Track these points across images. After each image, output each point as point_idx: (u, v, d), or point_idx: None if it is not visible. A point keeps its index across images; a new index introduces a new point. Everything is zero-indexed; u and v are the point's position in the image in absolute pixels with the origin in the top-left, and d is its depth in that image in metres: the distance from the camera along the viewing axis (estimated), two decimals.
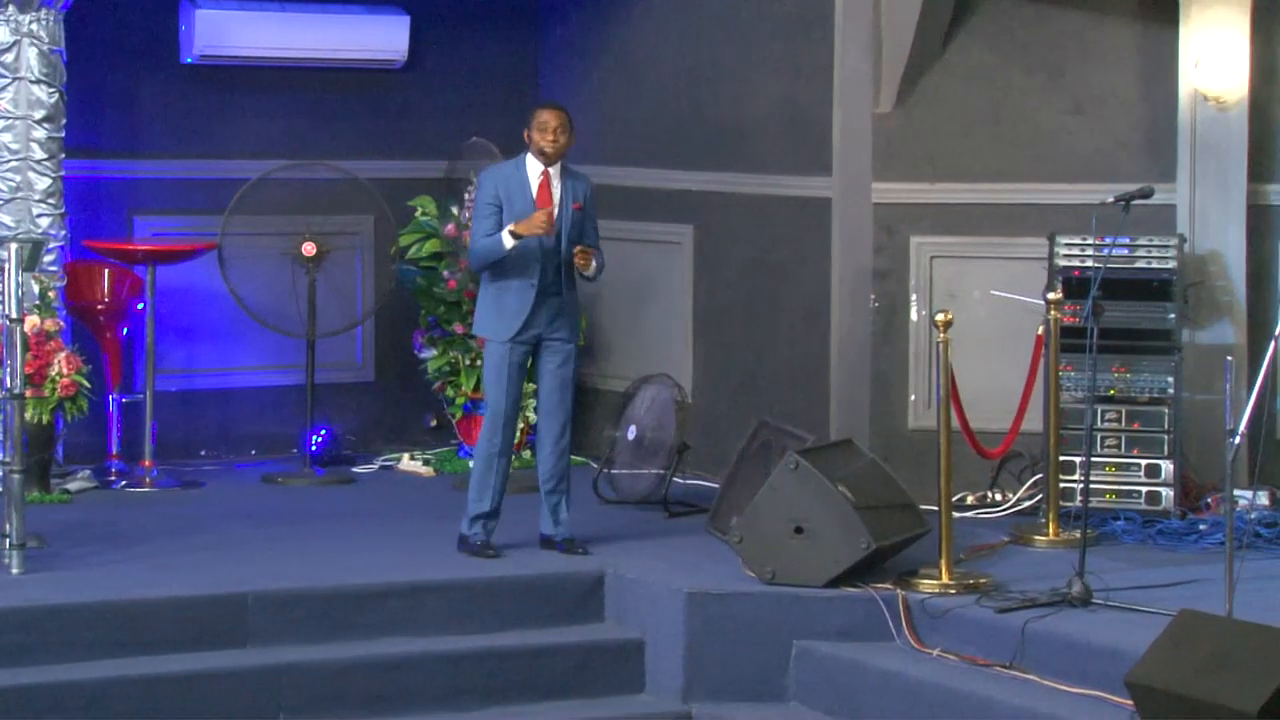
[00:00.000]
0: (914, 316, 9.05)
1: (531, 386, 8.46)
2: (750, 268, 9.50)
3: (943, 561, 7.44)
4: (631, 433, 9.08)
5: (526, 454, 9.42)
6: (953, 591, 7.36)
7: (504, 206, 7.89)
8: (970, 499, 8.80)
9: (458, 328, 9.84)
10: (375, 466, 9.93)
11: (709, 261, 9.73)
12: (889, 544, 7.52)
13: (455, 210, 9.88)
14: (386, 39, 10.22)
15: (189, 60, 9.92)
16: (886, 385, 9.03)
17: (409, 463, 9.98)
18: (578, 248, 7.86)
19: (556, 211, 7.88)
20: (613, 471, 9.10)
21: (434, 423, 10.31)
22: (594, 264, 7.88)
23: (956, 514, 7.79)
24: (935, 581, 7.41)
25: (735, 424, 8.98)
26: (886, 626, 7.30)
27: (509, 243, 7.79)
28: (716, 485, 8.66)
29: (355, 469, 9.81)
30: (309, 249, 9.56)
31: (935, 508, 7.55)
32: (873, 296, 9.06)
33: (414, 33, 10.26)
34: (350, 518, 8.72)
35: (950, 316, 7.57)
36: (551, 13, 10.56)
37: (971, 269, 8.99)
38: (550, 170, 7.95)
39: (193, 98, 9.98)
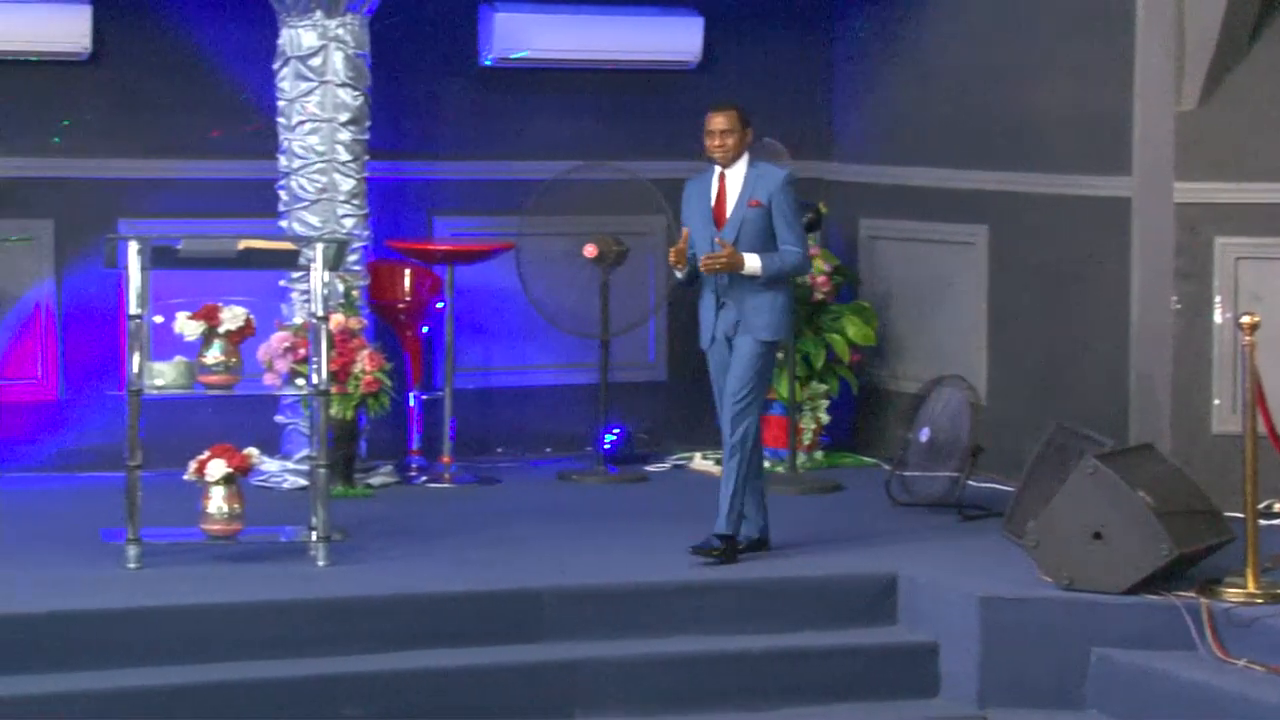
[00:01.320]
0: (1217, 319, 8.82)
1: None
2: (1046, 268, 9.36)
3: (1249, 570, 7.25)
4: (924, 434, 9.01)
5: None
6: (1259, 600, 7.18)
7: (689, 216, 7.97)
8: (1277, 506, 8.55)
9: None
10: (667, 465, 10.00)
11: (1003, 261, 9.60)
12: (1191, 551, 7.35)
13: None
14: (680, 40, 10.27)
15: (487, 63, 10.09)
16: (1188, 389, 8.82)
17: (700, 462, 10.02)
18: (703, 257, 7.79)
19: (730, 210, 7.84)
20: (905, 473, 9.04)
21: None
22: (749, 265, 7.74)
23: (1263, 521, 7.56)
24: (1241, 590, 7.23)
25: (1030, 427, 8.84)
26: (1188, 635, 7.14)
27: (678, 274, 7.92)
28: (1010, 489, 8.55)
29: (647, 467, 9.89)
30: (590, 250, 9.65)
31: (1240, 515, 7.36)
32: (1174, 298, 8.86)
33: (706, 33, 10.30)
34: (643, 516, 8.79)
35: (1257, 319, 7.38)
36: (844, 12, 10.52)
37: (1278, 270, 8.74)
38: (728, 172, 7.95)
39: (490, 100, 10.13)
